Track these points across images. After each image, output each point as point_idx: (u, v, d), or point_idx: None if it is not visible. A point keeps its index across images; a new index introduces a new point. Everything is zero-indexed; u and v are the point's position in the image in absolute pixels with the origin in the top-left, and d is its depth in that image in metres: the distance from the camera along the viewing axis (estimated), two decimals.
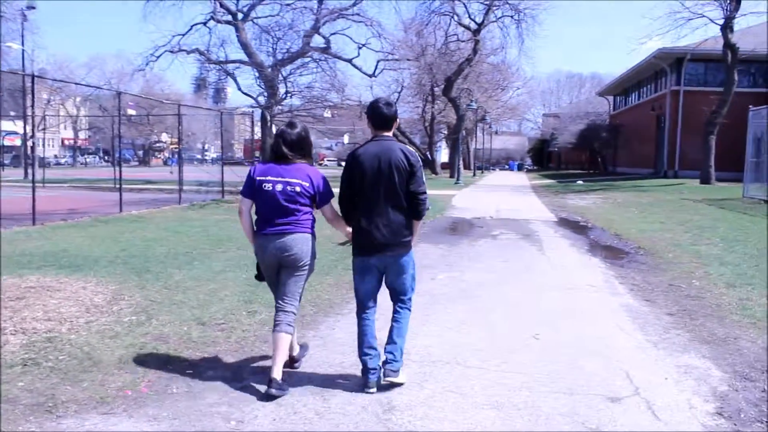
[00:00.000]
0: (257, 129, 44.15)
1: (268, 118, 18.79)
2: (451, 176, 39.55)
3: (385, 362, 4.20)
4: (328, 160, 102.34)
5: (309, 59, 21.29)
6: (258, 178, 4.27)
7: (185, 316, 5.79)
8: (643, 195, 22.49)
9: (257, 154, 49.31)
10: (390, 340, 4.26)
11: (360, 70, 29.66)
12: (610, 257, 9.75)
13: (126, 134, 60.52)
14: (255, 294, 6.56)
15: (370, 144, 4.28)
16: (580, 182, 33.67)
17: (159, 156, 79.40)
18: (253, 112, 27.31)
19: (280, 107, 21.24)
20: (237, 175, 23.83)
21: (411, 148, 4.28)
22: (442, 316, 6.04)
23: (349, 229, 4.37)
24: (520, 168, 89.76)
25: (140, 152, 76.23)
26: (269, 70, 19.36)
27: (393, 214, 4.19)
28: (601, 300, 6.78)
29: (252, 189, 4.28)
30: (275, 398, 4.02)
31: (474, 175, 49.20)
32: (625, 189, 26.31)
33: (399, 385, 4.22)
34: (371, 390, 4.12)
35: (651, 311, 6.35)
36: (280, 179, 4.25)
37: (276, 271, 4.33)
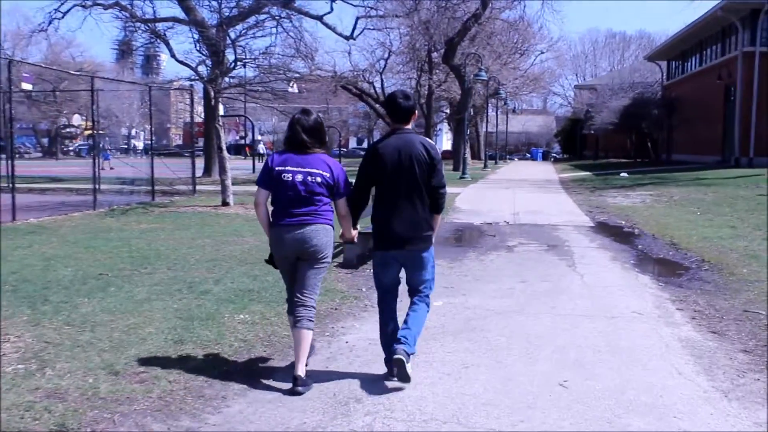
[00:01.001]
0: (199, 108, 43.89)
1: (213, 94, 18.65)
2: (455, 168, 39.60)
3: (398, 341, 5.25)
4: None
5: (266, 16, 21.15)
6: (277, 168, 5.32)
7: (93, 362, 5.64)
8: (707, 190, 22.63)
9: (200, 142, 49.31)
10: (404, 326, 5.35)
11: (334, 30, 29.62)
12: (664, 274, 9.77)
13: (24, 116, 60.06)
14: (189, 330, 6.43)
15: (391, 137, 5.39)
16: (624, 174, 33.85)
17: (70, 145, 78.99)
18: (192, 86, 27.13)
19: (228, 79, 21.08)
20: (172, 171, 23.85)
21: (431, 141, 5.25)
22: (438, 357, 5.96)
23: (355, 233, 5.56)
24: (545, 157, 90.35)
25: (45, 140, 75.74)
26: (213, 30, 19.22)
27: (414, 209, 5.32)
28: (651, 332, 6.76)
29: (270, 180, 5.34)
30: (301, 394, 5.11)
31: (485, 166, 49.41)
32: (684, 182, 26.47)
33: (405, 383, 5.28)
34: (396, 380, 5.28)
35: (719, 347, 6.32)
36: (300, 169, 5.29)
37: (292, 264, 5.42)
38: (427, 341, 6.38)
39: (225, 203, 18.38)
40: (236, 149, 77.21)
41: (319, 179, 5.31)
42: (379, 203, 5.41)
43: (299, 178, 5.30)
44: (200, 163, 32.43)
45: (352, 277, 9.37)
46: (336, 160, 5.48)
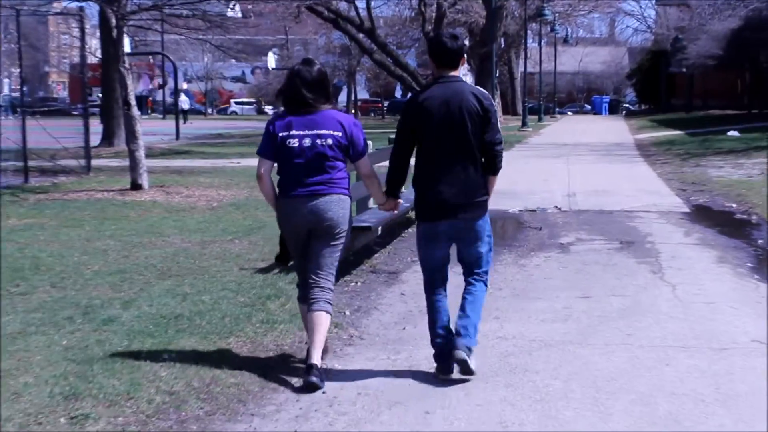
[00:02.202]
0: (93, 43, 43.82)
1: (114, 20, 18.54)
2: None
3: (457, 334, 6.41)
4: (239, 103, 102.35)
5: None
6: (281, 134, 6.46)
7: None
8: None
9: (96, 95, 48.92)
10: (462, 314, 6.49)
11: None
12: None
13: None
14: (87, 379, 6.39)
15: (435, 87, 6.42)
16: (733, 133, 33.94)
17: None
18: (82, 9, 26.97)
19: (135, 1, 20.98)
20: (54, 138, 23.71)
21: (483, 90, 6.46)
22: (464, 412, 5.97)
23: (398, 202, 6.76)
24: (613, 109, 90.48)
25: None
26: None
27: (466, 170, 6.37)
28: None
29: (273, 147, 6.50)
30: (317, 389, 6.25)
31: (524, 124, 49.48)
32: None
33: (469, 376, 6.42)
34: (450, 376, 6.43)
35: None
36: (307, 132, 6.41)
37: (304, 241, 6.59)
38: (446, 390, 6.38)
39: (136, 185, 18.34)
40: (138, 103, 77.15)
41: (330, 141, 6.43)
42: (424, 165, 6.46)
43: (307, 142, 6.43)
44: (97, 125, 32.36)
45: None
46: (348, 115, 6.57)
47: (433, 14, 47.11)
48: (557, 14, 58.56)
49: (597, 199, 17.25)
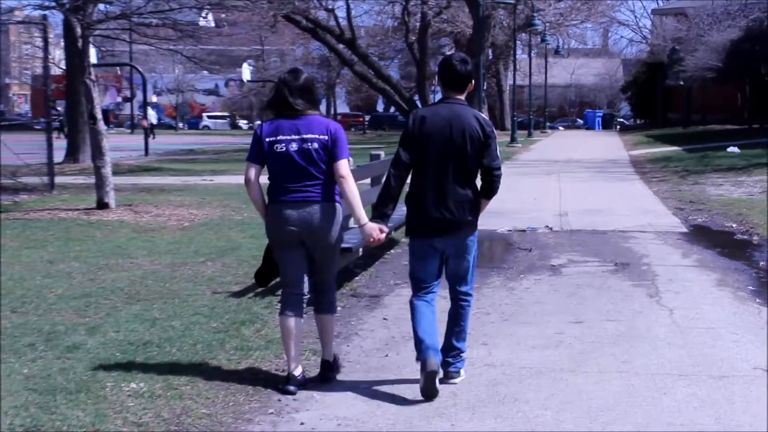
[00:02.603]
0: (57, 54, 43.68)
1: (79, 30, 18.52)
2: None
3: (446, 365, 7.13)
4: (212, 117, 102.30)
5: None
6: (267, 139, 6.95)
7: None
8: None
9: (58, 108, 48.69)
10: (448, 344, 7.22)
11: None
12: None
13: None
14: (49, 410, 6.37)
15: (440, 106, 7.09)
16: (733, 149, 34.09)
17: None
18: (46, 17, 26.91)
19: (104, 6, 20.92)
20: (15, 154, 23.64)
21: (485, 116, 7.26)
22: None
23: (382, 234, 6.98)
24: (607, 123, 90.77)
25: None
26: None
27: (462, 191, 6.97)
28: None
29: (260, 153, 6.99)
30: (331, 380, 7.26)
31: (513, 140, 49.55)
32: None
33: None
34: (432, 369, 6.76)
35: None
36: (294, 137, 6.92)
37: (292, 246, 7.06)
38: (431, 420, 6.38)
39: (102, 204, 18.27)
40: (105, 117, 77.08)
41: (316, 145, 6.90)
42: (420, 182, 7.00)
43: (293, 147, 6.91)
44: (61, 140, 32.27)
45: (307, 319, 9.28)
46: (335, 121, 7.23)
47: (417, 24, 47.27)
48: (548, 24, 58.79)
49: (590, 218, 17.30)
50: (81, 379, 7.09)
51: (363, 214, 6.93)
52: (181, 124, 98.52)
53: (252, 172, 7.03)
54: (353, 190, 6.96)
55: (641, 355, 7.96)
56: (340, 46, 47.14)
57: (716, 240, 14.78)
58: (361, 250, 11.05)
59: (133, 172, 30.42)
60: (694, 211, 18.37)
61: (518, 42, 60.30)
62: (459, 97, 7.09)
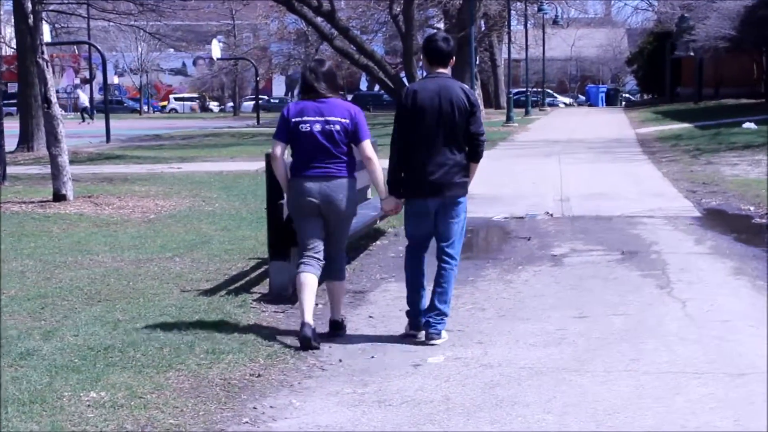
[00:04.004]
0: (8, 32, 43.59)
1: (29, 6, 18.44)
2: None
3: (427, 325, 8.40)
4: (179, 99, 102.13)
5: None
6: (293, 119, 8.39)
7: None
8: None
9: (10, 90, 48.43)
10: (432, 307, 8.44)
11: None
12: None
13: None
14: (1, 422, 6.33)
15: (427, 81, 8.58)
16: (749, 125, 34.09)
17: None
18: None
19: None
20: None
21: (468, 86, 8.68)
22: None
23: (398, 202, 8.56)
24: (611, 99, 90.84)
25: None
26: None
27: (452, 155, 8.39)
28: None
29: (287, 132, 8.42)
30: (341, 336, 8.59)
31: (508, 119, 49.55)
32: None
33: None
34: (417, 334, 8.48)
35: None
36: (318, 118, 8.36)
37: (312, 217, 8.46)
38: (422, 426, 6.36)
39: (59, 196, 18.20)
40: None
41: (338, 126, 8.35)
42: (415, 149, 8.39)
43: (317, 127, 8.34)
44: (12, 126, 32.09)
45: (284, 318, 9.32)
46: (356, 106, 8.73)
47: None
48: None
49: (594, 203, 17.29)
50: (35, 388, 7.04)
51: (384, 190, 8.53)
52: (147, 107, 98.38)
53: (278, 149, 8.46)
54: (378, 169, 8.47)
55: (651, 352, 7.94)
56: (319, 19, 46.96)
57: (732, 225, 14.78)
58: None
59: (94, 160, 30.35)
60: (707, 193, 18.37)
61: (513, 12, 60.32)
62: (444, 71, 8.56)
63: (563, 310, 9.43)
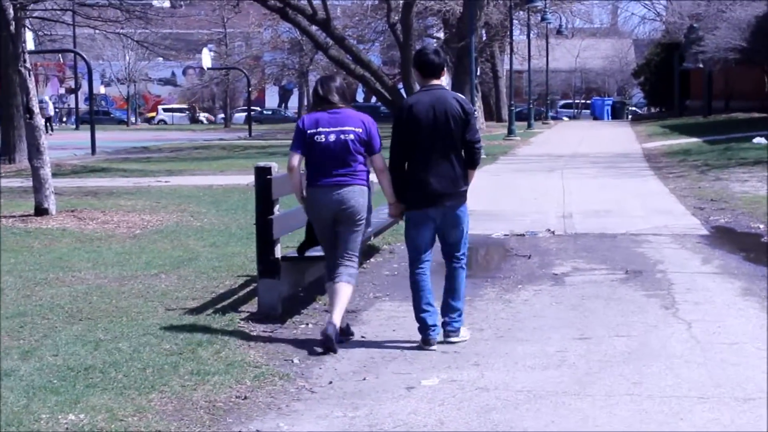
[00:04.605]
0: None
1: (11, 11, 18.44)
2: None
3: (444, 324, 9.08)
4: (168, 110, 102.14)
5: None
6: (309, 131, 8.99)
7: None
8: None
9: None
10: (446, 305, 9.12)
11: None
12: None
13: None
14: None
15: (422, 94, 9.13)
16: (760, 140, 34.12)
17: None
18: None
19: None
20: None
21: (463, 96, 9.62)
22: None
23: (394, 197, 9.08)
24: (617, 112, 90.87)
25: None
26: None
27: (450, 165, 8.94)
28: None
29: (303, 143, 9.01)
30: (330, 341, 8.69)
31: (510, 132, 49.53)
32: None
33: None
34: (432, 348, 8.87)
35: None
36: (332, 129, 8.95)
37: (329, 225, 9.13)
38: None
39: (41, 210, 18.17)
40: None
41: (352, 136, 8.95)
42: (415, 161, 8.95)
43: (332, 138, 8.93)
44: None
45: (273, 339, 9.28)
46: (369, 116, 9.30)
47: (401, 1, 47.24)
48: (549, 0, 58.86)
49: (598, 220, 17.30)
50: (12, 410, 7.02)
51: (393, 197, 9.08)
52: (134, 119, 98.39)
53: (295, 160, 9.05)
54: (388, 181, 9.06)
55: (655, 376, 7.91)
56: (314, 28, 47.00)
57: (741, 243, 14.77)
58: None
59: (78, 173, 30.33)
60: (715, 210, 18.35)
61: (516, 21, 60.43)
62: (437, 82, 9.14)
63: (564, 331, 9.40)
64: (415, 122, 8.89)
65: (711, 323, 9.62)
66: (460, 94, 9.29)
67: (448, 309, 9.09)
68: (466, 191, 9.11)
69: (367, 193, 9.15)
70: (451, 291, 9.13)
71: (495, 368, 8.22)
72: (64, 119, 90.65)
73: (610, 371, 8.08)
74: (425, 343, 8.91)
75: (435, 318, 8.98)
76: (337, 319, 8.79)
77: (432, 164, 8.90)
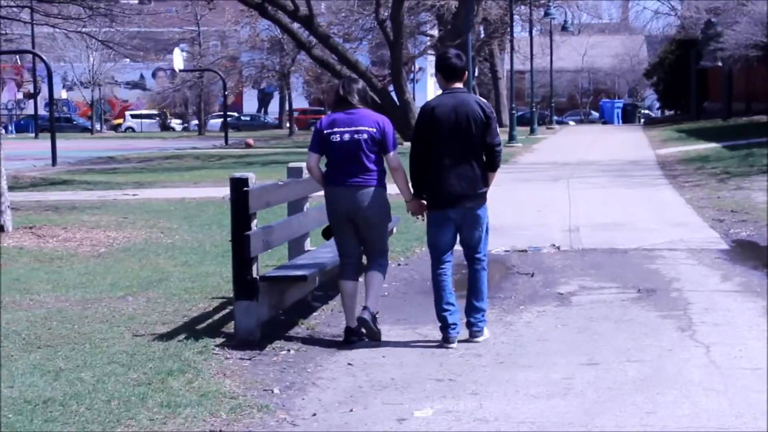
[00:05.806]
0: None
1: None
2: None
3: (469, 325, 10.12)
4: (137, 116, 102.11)
5: None
6: (326, 131, 10.02)
7: None
8: None
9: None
10: (470, 306, 10.14)
11: None
12: None
13: None
14: None
15: (444, 96, 10.17)
16: None
17: None
18: None
19: None
20: None
21: (484, 99, 11.04)
22: None
23: (410, 195, 10.18)
24: (628, 115, 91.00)
25: None
26: None
27: (470, 167, 9.94)
28: None
29: (320, 143, 10.08)
30: (366, 325, 9.91)
31: (511, 138, 49.56)
32: None
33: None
34: (452, 346, 9.84)
35: None
36: (347, 129, 9.96)
37: (345, 224, 10.15)
38: None
39: None
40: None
41: (366, 135, 9.92)
42: (436, 162, 9.91)
43: (346, 137, 9.93)
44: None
45: (251, 367, 9.27)
46: (384, 116, 10.31)
47: None
48: None
49: (607, 234, 17.32)
50: None
51: (409, 194, 10.15)
52: (100, 126, 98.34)
53: (312, 160, 10.21)
54: (403, 179, 10.14)
55: (670, 405, 7.89)
56: (296, 26, 47.08)
57: (764, 258, 14.75)
58: (317, 278, 11.02)
59: (37, 186, 30.32)
60: (736, 222, 18.38)
61: (516, 16, 60.56)
62: (459, 85, 10.18)
63: (570, 357, 9.39)
64: (437, 124, 9.90)
65: (731, 346, 9.61)
66: (482, 98, 10.46)
67: (472, 310, 10.10)
68: (485, 193, 10.12)
69: (383, 193, 10.10)
70: (473, 292, 10.13)
71: (495, 397, 8.19)
72: (9, 127, 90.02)
73: (620, 400, 8.05)
74: (445, 341, 9.89)
75: (456, 317, 9.96)
76: (372, 304, 9.95)
77: (452, 166, 9.89)
